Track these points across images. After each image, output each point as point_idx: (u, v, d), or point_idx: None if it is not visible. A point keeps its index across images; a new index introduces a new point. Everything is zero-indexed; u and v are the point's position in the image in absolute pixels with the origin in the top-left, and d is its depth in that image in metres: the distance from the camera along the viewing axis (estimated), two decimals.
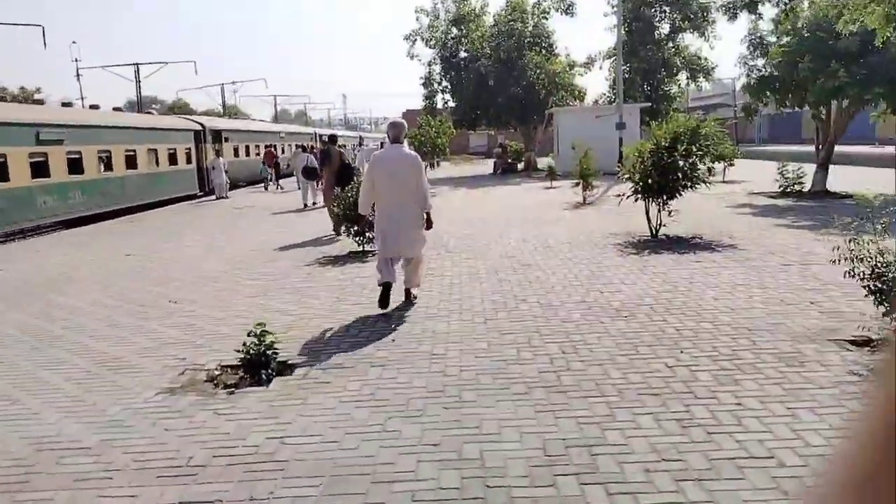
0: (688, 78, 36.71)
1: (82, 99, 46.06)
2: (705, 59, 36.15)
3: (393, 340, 6.37)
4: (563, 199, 19.65)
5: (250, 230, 15.95)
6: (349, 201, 11.49)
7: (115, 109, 28.18)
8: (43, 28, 26.60)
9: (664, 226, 11.41)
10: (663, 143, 11.13)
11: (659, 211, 11.38)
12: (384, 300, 7.31)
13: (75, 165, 20.38)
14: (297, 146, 40.26)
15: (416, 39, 36.79)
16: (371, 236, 11.32)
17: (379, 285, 7.43)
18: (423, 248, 7.87)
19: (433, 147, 23.87)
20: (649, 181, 10.99)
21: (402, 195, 7.29)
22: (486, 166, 42.21)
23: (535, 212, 16.84)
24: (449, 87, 37.74)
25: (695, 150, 11.01)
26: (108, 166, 22.37)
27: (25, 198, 17.85)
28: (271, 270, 10.42)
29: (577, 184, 18.21)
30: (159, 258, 12.42)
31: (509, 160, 36.09)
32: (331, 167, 14.33)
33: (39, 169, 18.53)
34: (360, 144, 45.63)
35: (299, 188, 22.01)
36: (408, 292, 7.79)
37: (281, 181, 32.41)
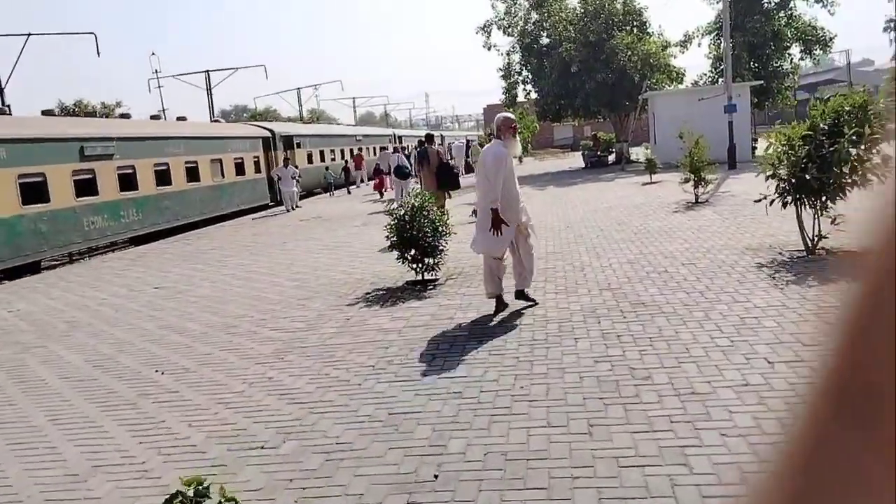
0: (802, 51, 32.53)
1: (164, 111, 45.69)
2: (822, 28, 31.90)
3: (435, 477, 3.88)
4: (668, 198, 16.63)
5: (303, 250, 13.83)
6: (402, 218, 9.11)
7: (179, 119, 26.95)
8: (95, 35, 25.58)
9: (825, 237, 8.40)
10: (822, 126, 8.16)
11: (816, 217, 8.41)
12: (500, 307, 7.34)
13: (128, 181, 18.92)
14: (384, 147, 38.87)
15: (491, 29, 34.16)
16: (429, 262, 8.97)
17: (489, 298, 7.49)
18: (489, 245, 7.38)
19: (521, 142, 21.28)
20: (806, 177, 8.04)
21: (483, 190, 7.29)
22: (573, 160, 39.16)
23: (637, 215, 13.98)
24: (530, 77, 34.94)
25: (866, 133, 7.97)
26: (166, 180, 20.89)
27: (69, 219, 16.40)
28: (303, 315, 8.13)
29: (687, 179, 15.18)
30: (186, 294, 10.40)
31: (599, 153, 32.95)
32: (429, 167, 14.24)
33: (85, 187, 17.08)
34: (443, 143, 43.51)
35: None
36: (523, 295, 7.49)
37: (348, 187, 30.92)
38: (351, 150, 39.39)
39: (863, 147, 7.87)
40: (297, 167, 26.95)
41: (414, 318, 7.44)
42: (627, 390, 4.81)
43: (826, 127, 8.11)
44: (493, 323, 6.96)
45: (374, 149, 43.99)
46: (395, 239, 9.26)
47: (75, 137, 16.98)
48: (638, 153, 34.93)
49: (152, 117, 27.89)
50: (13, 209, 14.78)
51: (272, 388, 5.67)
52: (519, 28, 34.04)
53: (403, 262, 9.25)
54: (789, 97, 33.54)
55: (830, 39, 32.24)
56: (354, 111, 68.61)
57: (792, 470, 0.31)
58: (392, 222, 9.27)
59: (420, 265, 9.21)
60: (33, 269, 15.33)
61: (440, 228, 9.18)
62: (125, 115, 25.20)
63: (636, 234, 11.60)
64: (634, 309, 6.92)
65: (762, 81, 29.17)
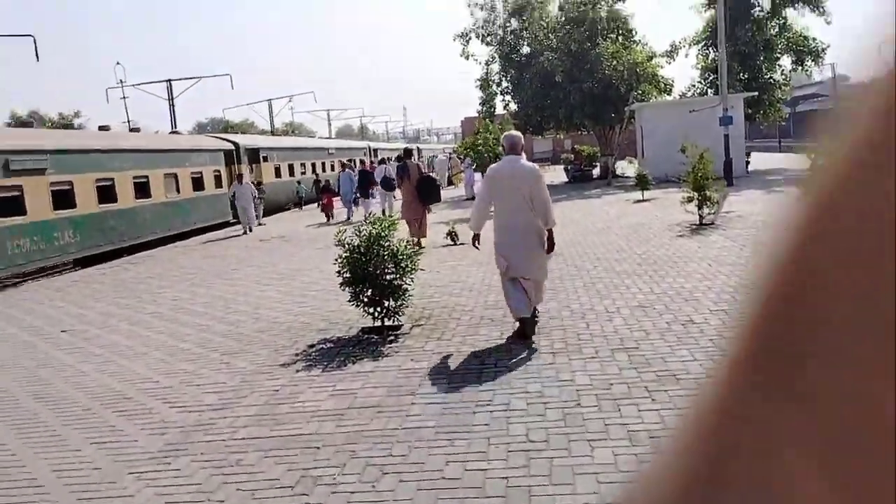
0: (793, 62, 31.16)
1: (128, 122, 43.41)
2: (814, 39, 30.57)
3: None
4: (667, 218, 14.90)
5: (252, 279, 11.87)
6: (355, 250, 7.24)
7: (132, 130, 24.90)
8: (34, 38, 23.38)
9: None
10: None
11: None
12: (523, 333, 6.64)
13: (63, 199, 16.83)
14: (360, 161, 36.95)
15: (470, 37, 32.46)
16: (391, 307, 7.10)
17: (516, 320, 6.79)
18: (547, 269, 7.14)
19: (494, 156, 19.43)
20: None
21: (523, 211, 6.60)
22: (555, 174, 37.50)
23: (637, 240, 12.20)
24: (510, 87, 33.24)
25: None
26: (111, 197, 18.80)
27: None
28: (220, 382, 6.19)
29: (690, 198, 13.46)
30: (93, 342, 8.40)
31: (583, 166, 31.27)
32: (409, 181, 13.97)
33: (8, 206, 14.98)
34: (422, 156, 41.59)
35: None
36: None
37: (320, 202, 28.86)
38: (323, 164, 37.50)
39: None
40: (258, 183, 24.97)
41: (363, 392, 5.54)
42: None
43: None
44: (511, 360, 5.08)
45: (341, 163, 42.08)
46: (347, 275, 7.37)
47: None
48: (623, 167, 33.39)
49: (131, 130, 25.96)
50: None
51: None
52: (498, 37, 32.39)
53: (357, 305, 7.36)
54: (781, 110, 32.18)
55: (822, 51, 30.93)
56: (329, 124, 66.51)
57: (700, 440, 0.26)
58: (343, 254, 7.39)
59: (378, 309, 7.32)
60: None
61: (404, 263, 7.31)
62: (104, 127, 22.91)
63: (641, 265, 9.80)
64: (663, 385, 5.07)
65: (756, 93, 27.72)
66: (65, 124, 39.19)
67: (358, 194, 21.16)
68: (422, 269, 7.57)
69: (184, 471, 4.38)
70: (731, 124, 22.94)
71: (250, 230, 20.53)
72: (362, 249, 7.27)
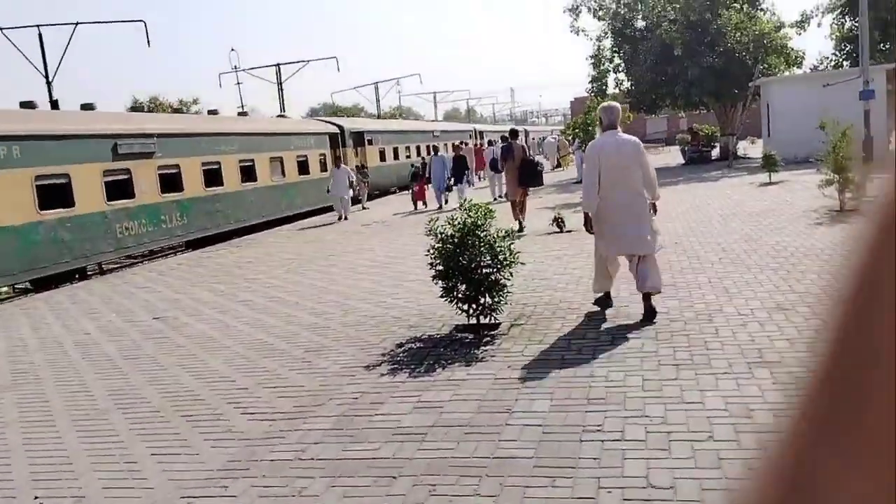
0: None
1: (242, 107, 44.64)
2: None
3: None
4: (799, 203, 13.36)
5: (347, 266, 11.43)
6: (448, 241, 6.53)
7: (240, 115, 25.24)
8: (145, 23, 24.04)
9: None
10: None
11: None
12: (603, 303, 6.89)
13: (171, 182, 17.09)
14: (464, 143, 36.44)
15: (580, 11, 30.90)
16: (487, 304, 6.33)
17: (596, 295, 7.01)
18: (659, 242, 6.78)
19: None
20: None
21: (629, 185, 6.47)
22: (670, 156, 35.49)
23: (767, 228, 10.86)
24: (622, 64, 31.51)
25: None
26: (217, 181, 19.00)
27: (98, 226, 14.60)
28: (297, 386, 5.64)
29: (829, 181, 11.90)
30: (180, 331, 8.14)
31: (702, 147, 29.26)
32: (513, 162, 13.79)
33: (117, 190, 15.26)
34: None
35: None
36: (647, 299, 6.48)
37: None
38: (454, 145, 37.19)
39: None
40: (361, 166, 24.73)
41: (451, 405, 4.81)
42: None
43: None
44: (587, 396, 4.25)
45: (453, 145, 41.54)
46: (440, 268, 6.67)
47: (106, 134, 15.16)
48: (744, 148, 31.07)
49: (240, 114, 26.50)
50: (28, 216, 13.04)
51: None
52: (611, 10, 30.70)
53: (451, 301, 6.64)
54: None
55: None
56: (435, 106, 66.21)
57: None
58: (435, 244, 6.69)
59: (473, 306, 6.58)
60: (57, 280, 13.57)
61: (502, 255, 6.52)
62: (213, 112, 23.55)
63: (775, 259, 8.57)
64: None
65: None
66: (184, 110, 40.63)
67: (452, 181, 20.06)
68: (522, 263, 6.74)
69: (240, 498, 3.80)
70: (872, 99, 20.61)
71: (345, 218, 19.77)
72: (456, 240, 6.55)
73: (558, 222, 12.67)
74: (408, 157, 33.53)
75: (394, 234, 15.53)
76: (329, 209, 25.67)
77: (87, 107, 16.95)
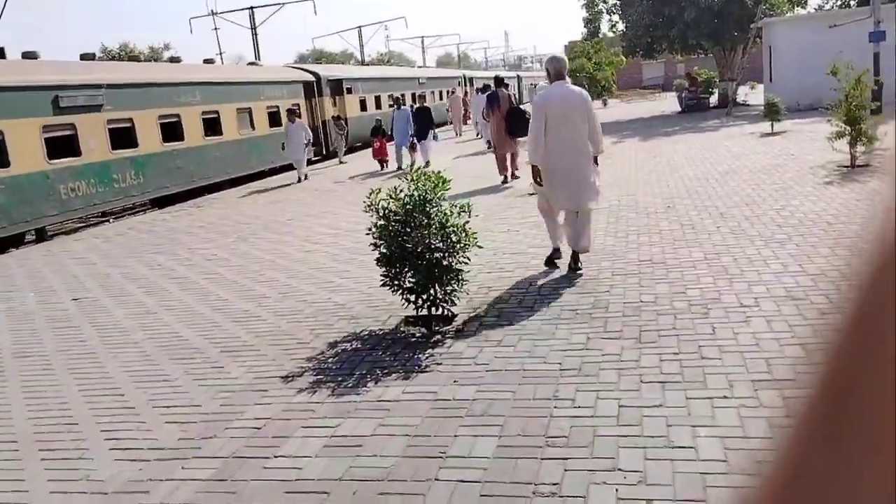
0: None
1: (220, 54, 42.64)
2: None
3: None
4: (805, 157, 12.20)
5: (301, 235, 10.28)
6: (393, 216, 5.39)
7: (206, 62, 23.65)
8: None
9: None
10: None
11: None
12: (551, 262, 6.79)
13: (123, 138, 15.74)
14: (452, 91, 34.82)
15: None
16: (439, 296, 5.20)
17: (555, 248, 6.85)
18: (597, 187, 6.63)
19: (592, 82, 16.80)
20: None
21: (574, 138, 6.43)
22: (666, 103, 34.02)
23: (771, 187, 9.70)
24: (617, 4, 29.79)
25: None
26: (177, 135, 17.63)
27: (38, 187, 13.33)
28: (199, 402, 4.55)
29: (840, 133, 10.69)
30: (95, 317, 7.02)
31: (700, 93, 27.80)
32: (500, 112, 13.08)
33: (60, 147, 13.95)
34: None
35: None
36: (575, 257, 6.54)
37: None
38: (413, 95, 35.55)
39: None
40: (336, 117, 23.31)
41: (372, 445, 3.72)
42: None
43: None
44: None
45: (441, 93, 39.87)
46: (383, 250, 5.53)
47: (45, 86, 13.77)
48: (745, 94, 29.63)
49: (205, 61, 24.80)
50: None
51: None
52: None
53: (395, 292, 5.52)
54: None
55: None
56: (423, 51, 63.72)
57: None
58: (376, 221, 5.53)
59: (423, 298, 5.46)
60: None
61: (455, 237, 5.37)
62: (175, 59, 21.94)
63: (782, 227, 7.44)
64: None
65: None
66: (155, 58, 38.72)
67: (414, 138, 17.23)
68: (479, 246, 5.58)
69: None
70: (882, 41, 19.21)
71: (304, 178, 17.58)
72: (401, 217, 5.39)
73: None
74: (391, 106, 31.94)
75: (366, 192, 14.28)
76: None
77: (28, 55, 15.49)
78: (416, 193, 5.42)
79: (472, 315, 5.70)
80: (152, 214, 15.34)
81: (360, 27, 43.49)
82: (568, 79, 6.66)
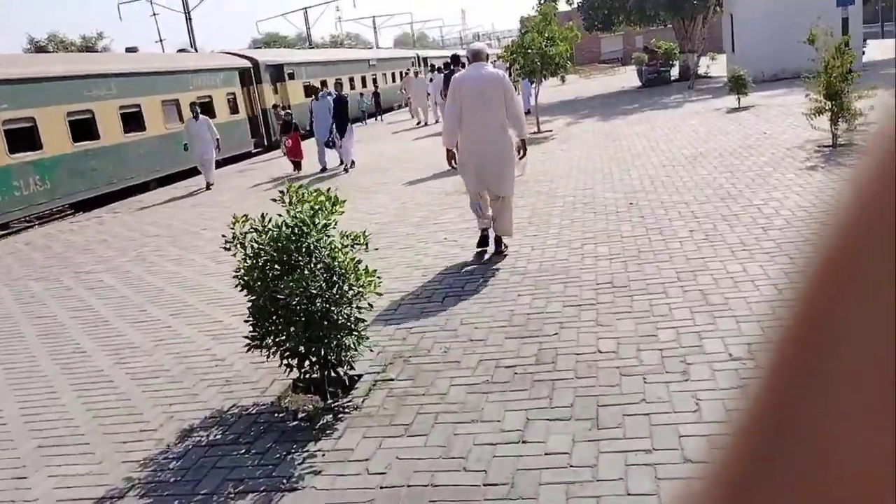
0: None
1: (161, 41, 40.31)
2: None
3: None
4: (780, 136, 10.99)
5: (206, 253, 8.75)
6: (259, 259, 3.95)
7: (129, 50, 21.74)
8: None
9: None
10: None
11: None
12: (481, 247, 6.63)
13: (24, 139, 13.98)
14: (405, 72, 33.10)
15: None
16: (330, 357, 3.75)
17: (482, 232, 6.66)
18: (514, 188, 6.62)
19: (544, 59, 15.38)
20: None
21: (490, 120, 6.24)
22: (626, 77, 32.81)
23: (746, 176, 8.42)
24: None
25: None
26: (90, 133, 15.86)
27: None
28: None
29: (820, 109, 9.46)
30: None
31: (660, 67, 26.58)
32: None
33: None
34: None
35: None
36: (498, 241, 6.60)
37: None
38: (363, 78, 33.94)
39: None
40: (276, 105, 21.65)
41: None
42: None
43: None
44: None
45: (394, 75, 38.19)
46: (250, 305, 4.09)
47: None
48: (706, 65, 28.49)
49: (128, 50, 22.78)
50: None
51: None
52: None
53: (268, 357, 4.10)
54: None
55: None
56: (375, 31, 61.59)
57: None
58: (242, 263, 4.09)
59: (310, 362, 4.04)
60: None
61: (347, 285, 3.96)
62: (91, 49, 19.98)
63: (766, 231, 6.14)
64: None
65: None
66: (88, 48, 36.29)
67: (335, 133, 14.87)
68: (378, 294, 4.15)
69: None
70: (850, 5, 18.14)
71: (210, 185, 15.02)
72: (269, 256, 3.95)
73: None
74: (310, 97, 30.19)
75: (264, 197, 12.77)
76: (246, 156, 22.65)
77: None
78: (291, 222, 3.98)
79: (380, 375, 4.32)
80: (58, 225, 13.64)
81: (305, 8, 41.35)
82: (489, 63, 6.55)
